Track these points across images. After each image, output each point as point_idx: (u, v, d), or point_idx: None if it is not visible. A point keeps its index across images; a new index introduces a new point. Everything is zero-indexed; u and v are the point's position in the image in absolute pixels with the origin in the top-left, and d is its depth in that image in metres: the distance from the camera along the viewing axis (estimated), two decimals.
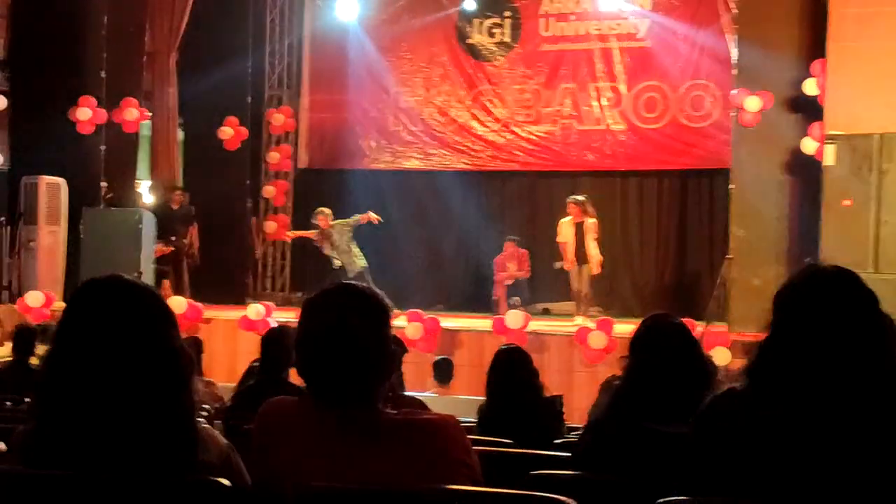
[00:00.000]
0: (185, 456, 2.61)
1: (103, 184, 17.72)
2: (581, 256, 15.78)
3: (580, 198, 16.07)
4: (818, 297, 2.82)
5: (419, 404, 6.74)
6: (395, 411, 2.89)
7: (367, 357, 2.85)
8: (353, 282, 3.02)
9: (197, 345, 9.21)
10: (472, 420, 6.44)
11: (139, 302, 2.64)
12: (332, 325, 2.86)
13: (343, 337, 2.84)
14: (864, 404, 2.68)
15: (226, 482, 2.61)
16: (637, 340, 3.95)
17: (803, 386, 2.74)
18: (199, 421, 2.80)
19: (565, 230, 15.87)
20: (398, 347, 7.11)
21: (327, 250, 16.84)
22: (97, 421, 2.53)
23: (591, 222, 15.82)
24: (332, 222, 16.79)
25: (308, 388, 2.91)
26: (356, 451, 2.79)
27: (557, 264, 16.52)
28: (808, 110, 14.36)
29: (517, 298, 16.98)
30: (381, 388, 2.89)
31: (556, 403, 6.40)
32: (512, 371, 6.32)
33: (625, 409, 3.81)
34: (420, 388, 10.99)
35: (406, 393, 9.80)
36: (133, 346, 2.57)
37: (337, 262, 16.82)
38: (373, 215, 16.69)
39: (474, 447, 5.40)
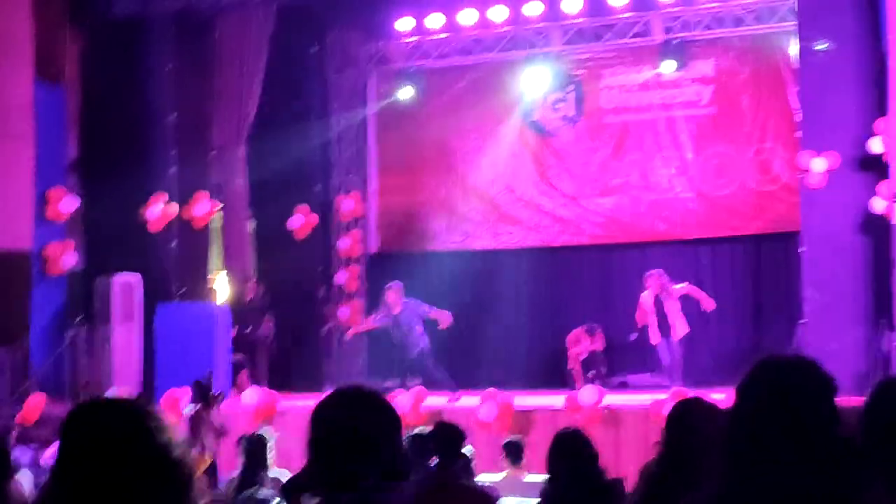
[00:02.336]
0: None
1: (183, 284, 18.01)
2: (665, 328, 15.86)
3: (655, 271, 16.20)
4: (773, 387, 2.70)
5: (482, 499, 6.66)
6: None
7: (376, 461, 2.82)
8: (365, 384, 3.00)
9: (261, 442, 9.23)
10: None
11: (128, 422, 2.63)
12: (340, 429, 2.84)
13: (351, 440, 2.82)
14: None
15: None
16: (668, 425, 3.87)
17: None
18: None
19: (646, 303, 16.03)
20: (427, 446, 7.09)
21: (391, 328, 16.93)
22: None
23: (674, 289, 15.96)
24: (405, 299, 16.82)
25: (319, 490, 2.88)
26: None
27: (633, 335, 16.50)
28: (876, 169, 14.19)
29: (594, 372, 16.88)
30: (390, 491, 2.86)
31: (616, 486, 6.30)
32: (570, 455, 6.25)
33: (657, 496, 3.73)
34: (495, 468, 10.90)
35: (478, 477, 9.77)
36: (127, 466, 2.56)
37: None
38: (446, 318, 16.69)
39: None
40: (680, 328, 15.96)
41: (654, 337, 16.06)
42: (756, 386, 2.71)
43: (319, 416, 2.93)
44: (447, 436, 6.85)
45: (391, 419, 2.91)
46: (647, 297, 16.03)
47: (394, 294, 16.98)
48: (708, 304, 16.43)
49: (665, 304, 16.04)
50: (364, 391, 2.95)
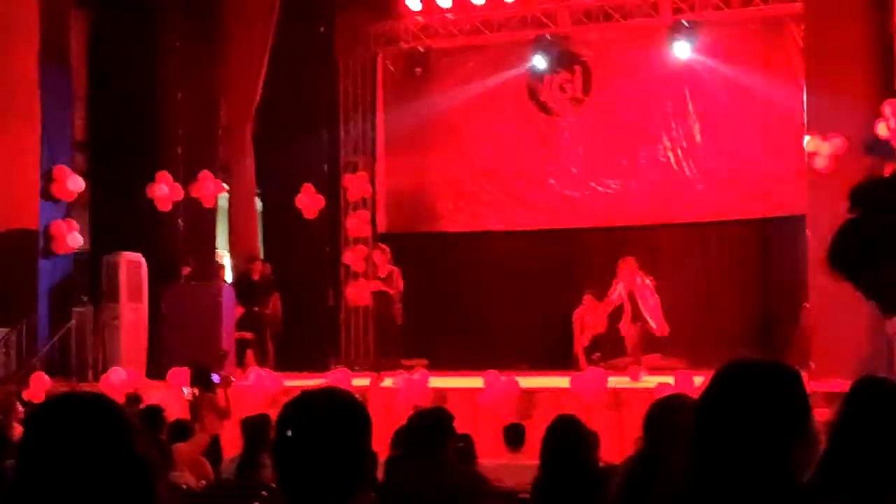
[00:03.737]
0: None
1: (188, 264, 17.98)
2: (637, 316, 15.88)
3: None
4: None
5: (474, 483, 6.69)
6: None
7: (339, 466, 2.81)
8: (336, 388, 2.98)
9: (263, 423, 9.21)
10: None
11: (96, 418, 2.62)
12: (308, 431, 2.83)
13: (317, 444, 2.81)
14: None
15: None
16: (646, 423, 3.84)
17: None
18: None
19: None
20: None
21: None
22: None
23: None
24: (393, 266, 16.97)
25: (282, 491, 2.87)
26: None
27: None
28: (883, 152, 14.09)
29: (598, 354, 16.85)
30: (353, 496, 2.84)
31: (609, 475, 6.26)
32: (564, 444, 6.21)
33: (632, 493, 3.71)
34: (498, 453, 10.89)
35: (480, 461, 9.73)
36: (92, 463, 2.55)
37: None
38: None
39: None
40: (652, 323, 15.93)
41: (624, 327, 16.10)
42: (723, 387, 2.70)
43: (286, 415, 2.91)
44: (432, 419, 6.81)
45: (358, 422, 2.89)
46: (618, 288, 16.08)
47: (379, 255, 17.08)
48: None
49: (636, 294, 15.97)
50: (331, 393, 2.93)
